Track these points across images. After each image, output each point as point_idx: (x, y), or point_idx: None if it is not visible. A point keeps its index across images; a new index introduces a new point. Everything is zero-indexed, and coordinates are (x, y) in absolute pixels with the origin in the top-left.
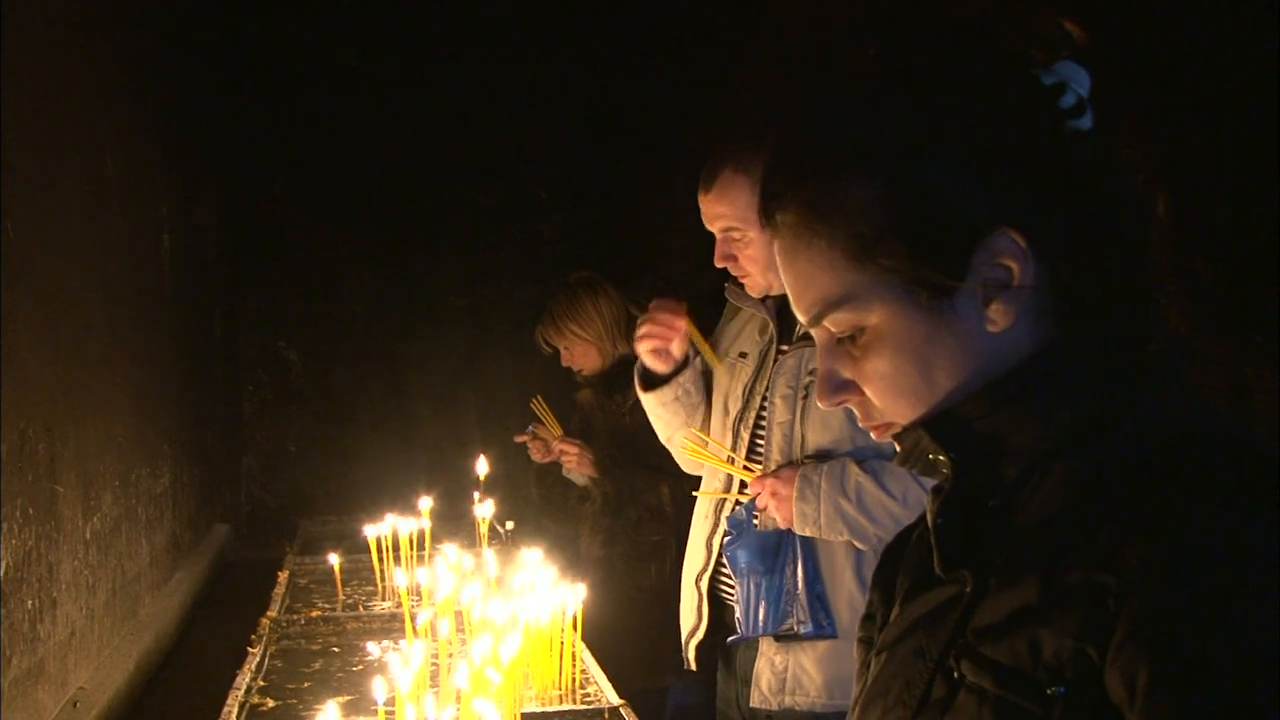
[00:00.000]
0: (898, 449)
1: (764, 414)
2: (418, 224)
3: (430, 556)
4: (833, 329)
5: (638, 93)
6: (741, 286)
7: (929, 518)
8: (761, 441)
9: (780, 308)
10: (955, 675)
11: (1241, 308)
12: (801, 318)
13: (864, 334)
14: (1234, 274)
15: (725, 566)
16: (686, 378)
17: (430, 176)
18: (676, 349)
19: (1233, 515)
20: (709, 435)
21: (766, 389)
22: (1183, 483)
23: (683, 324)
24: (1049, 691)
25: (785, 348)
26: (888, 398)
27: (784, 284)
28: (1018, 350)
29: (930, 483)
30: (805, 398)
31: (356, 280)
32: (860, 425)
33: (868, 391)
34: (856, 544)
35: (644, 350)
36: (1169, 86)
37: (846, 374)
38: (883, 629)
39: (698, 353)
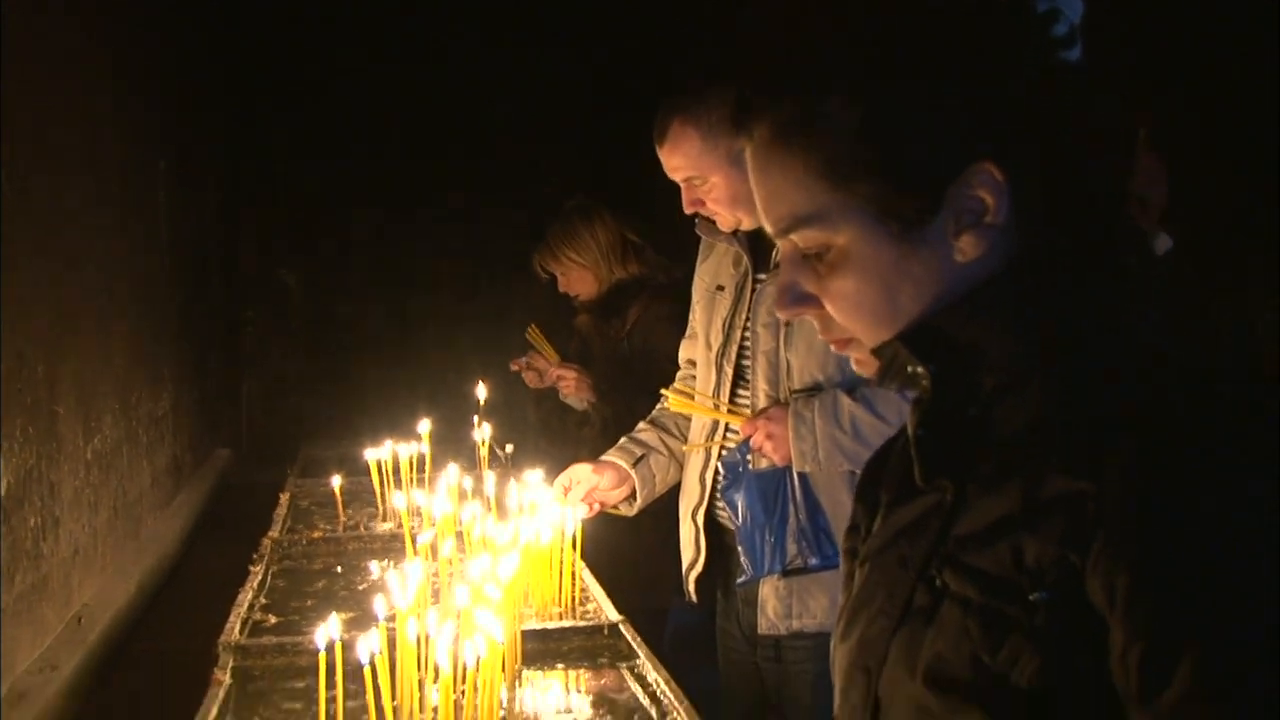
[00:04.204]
0: (876, 367)
1: (746, 345)
2: (418, 152)
3: (430, 479)
4: (799, 243)
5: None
6: (713, 223)
7: (909, 429)
8: (746, 374)
9: (753, 239)
10: (937, 584)
11: (1233, 232)
12: (768, 228)
13: (830, 252)
14: (1225, 200)
15: (721, 498)
16: (642, 492)
17: (433, 106)
18: (618, 496)
19: (1210, 421)
20: (693, 386)
21: (747, 320)
22: (1160, 391)
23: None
24: (1031, 598)
25: (762, 276)
26: (850, 317)
27: (754, 193)
28: (986, 275)
29: None
30: (787, 324)
31: (356, 207)
32: (819, 336)
33: (830, 309)
34: (857, 472)
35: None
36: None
37: (809, 288)
38: (866, 540)
39: (638, 460)
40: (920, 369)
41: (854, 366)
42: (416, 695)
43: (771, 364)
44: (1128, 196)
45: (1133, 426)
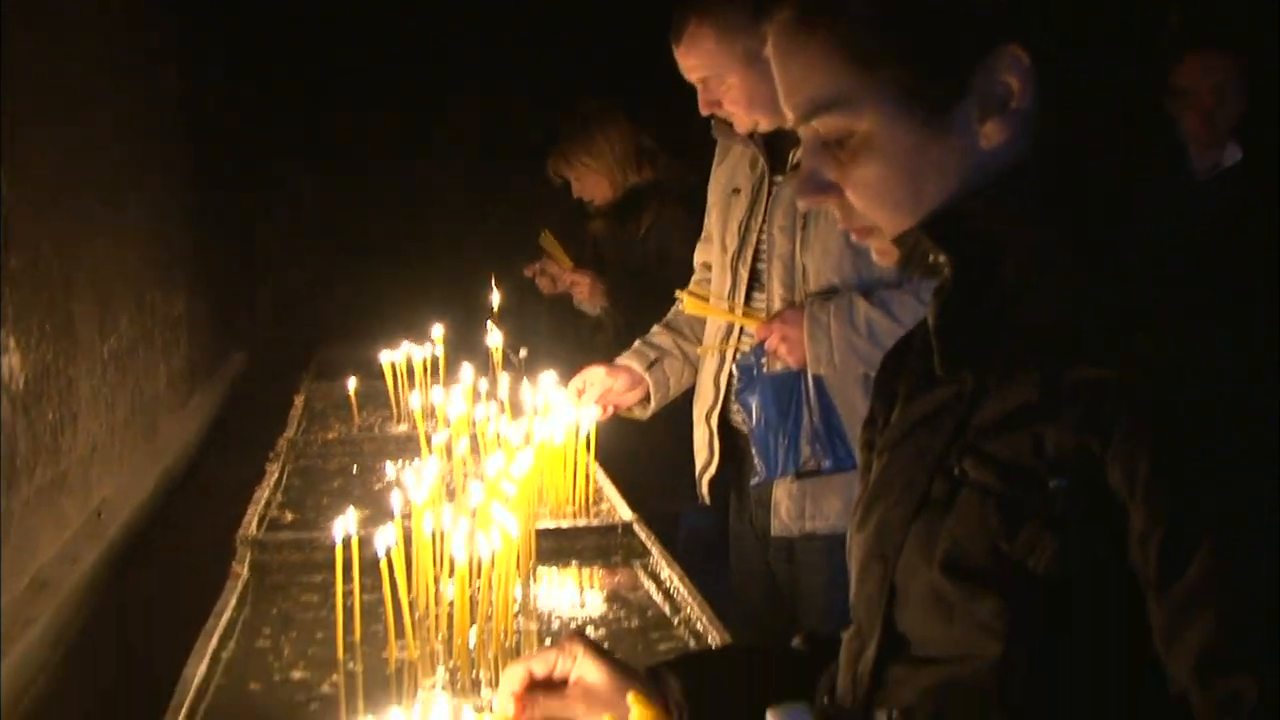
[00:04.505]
0: (897, 257)
1: (762, 248)
2: (433, 56)
3: (444, 381)
4: (820, 130)
5: None
6: (730, 125)
7: (929, 319)
8: (762, 278)
9: (769, 140)
10: (955, 473)
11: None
12: (789, 115)
13: (852, 139)
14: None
15: (735, 401)
16: (656, 395)
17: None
18: (632, 399)
19: (1236, 313)
20: (708, 290)
21: (763, 223)
22: (1184, 282)
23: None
24: (1050, 485)
25: (779, 179)
26: (871, 206)
27: (776, 80)
28: (1009, 165)
29: None
30: (804, 228)
31: (370, 112)
32: (840, 226)
33: (851, 197)
34: (872, 375)
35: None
36: None
37: (831, 176)
38: (884, 431)
39: (652, 364)
40: (942, 258)
41: (875, 256)
42: (432, 590)
43: (787, 267)
44: (1164, 91)
45: (1156, 317)
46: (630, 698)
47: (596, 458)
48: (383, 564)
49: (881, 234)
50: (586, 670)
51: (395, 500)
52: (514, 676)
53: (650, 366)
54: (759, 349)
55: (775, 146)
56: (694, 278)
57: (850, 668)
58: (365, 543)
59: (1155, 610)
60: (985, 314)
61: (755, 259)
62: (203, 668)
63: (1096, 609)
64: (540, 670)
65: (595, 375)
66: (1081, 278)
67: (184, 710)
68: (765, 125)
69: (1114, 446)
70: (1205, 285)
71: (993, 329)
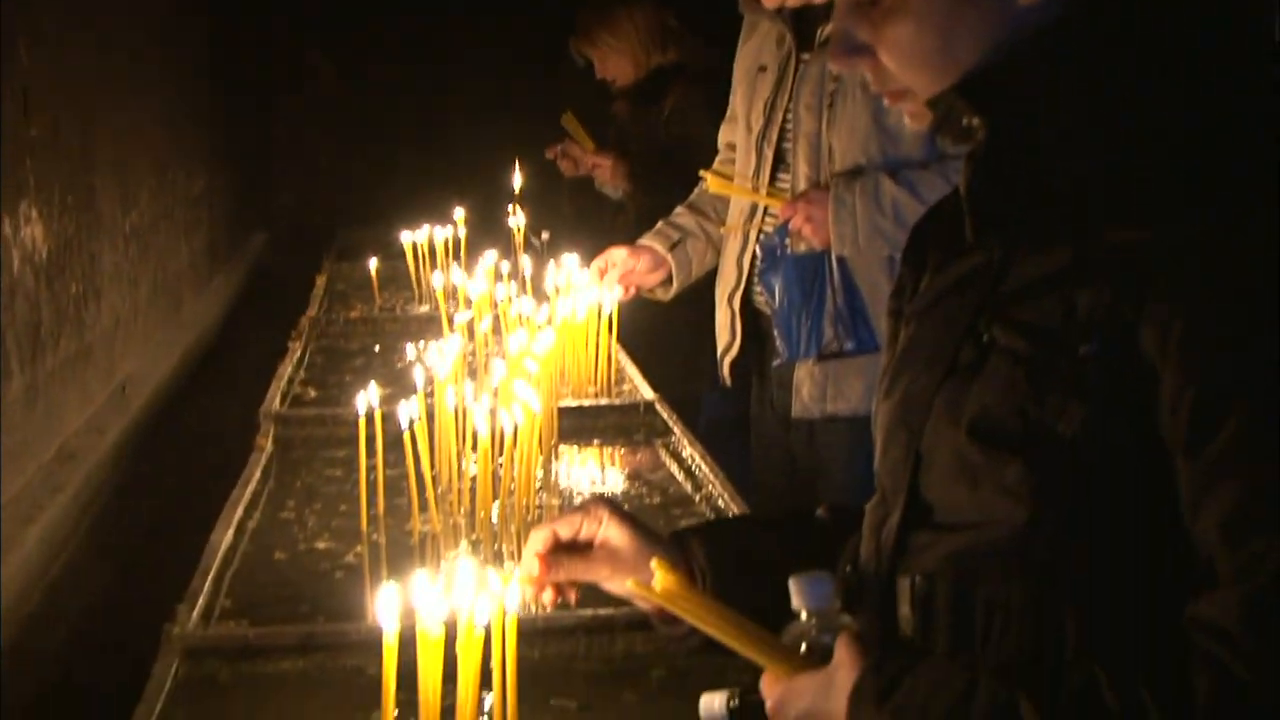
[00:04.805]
0: (930, 120)
1: (788, 128)
2: None
3: (465, 262)
4: None
5: None
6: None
7: (961, 184)
8: (787, 157)
9: (797, 16)
10: (985, 339)
11: None
12: None
13: None
14: None
15: (758, 283)
16: (678, 276)
17: None
18: (654, 280)
19: (1276, 176)
20: (732, 170)
21: (789, 101)
22: (1225, 147)
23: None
24: (1081, 350)
25: (806, 56)
26: (905, 68)
27: None
28: (1047, 24)
29: None
30: (830, 106)
31: None
32: (873, 90)
33: (884, 59)
34: (896, 257)
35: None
36: None
37: (864, 38)
38: (912, 300)
39: (674, 244)
40: (975, 121)
41: (907, 120)
42: (455, 465)
43: (813, 146)
44: None
45: (1195, 182)
46: (654, 563)
47: (618, 339)
48: (405, 436)
49: (914, 97)
50: (611, 534)
51: (418, 374)
52: (539, 538)
53: (673, 247)
54: (783, 229)
55: (803, 23)
56: (718, 158)
57: (873, 536)
58: (388, 418)
59: (1184, 473)
60: (1018, 178)
61: (780, 138)
62: (229, 536)
63: (1121, 475)
64: (565, 533)
65: (618, 255)
66: (1118, 141)
67: (211, 574)
68: (794, 0)
69: (1148, 309)
70: (1248, 152)
71: (1026, 193)
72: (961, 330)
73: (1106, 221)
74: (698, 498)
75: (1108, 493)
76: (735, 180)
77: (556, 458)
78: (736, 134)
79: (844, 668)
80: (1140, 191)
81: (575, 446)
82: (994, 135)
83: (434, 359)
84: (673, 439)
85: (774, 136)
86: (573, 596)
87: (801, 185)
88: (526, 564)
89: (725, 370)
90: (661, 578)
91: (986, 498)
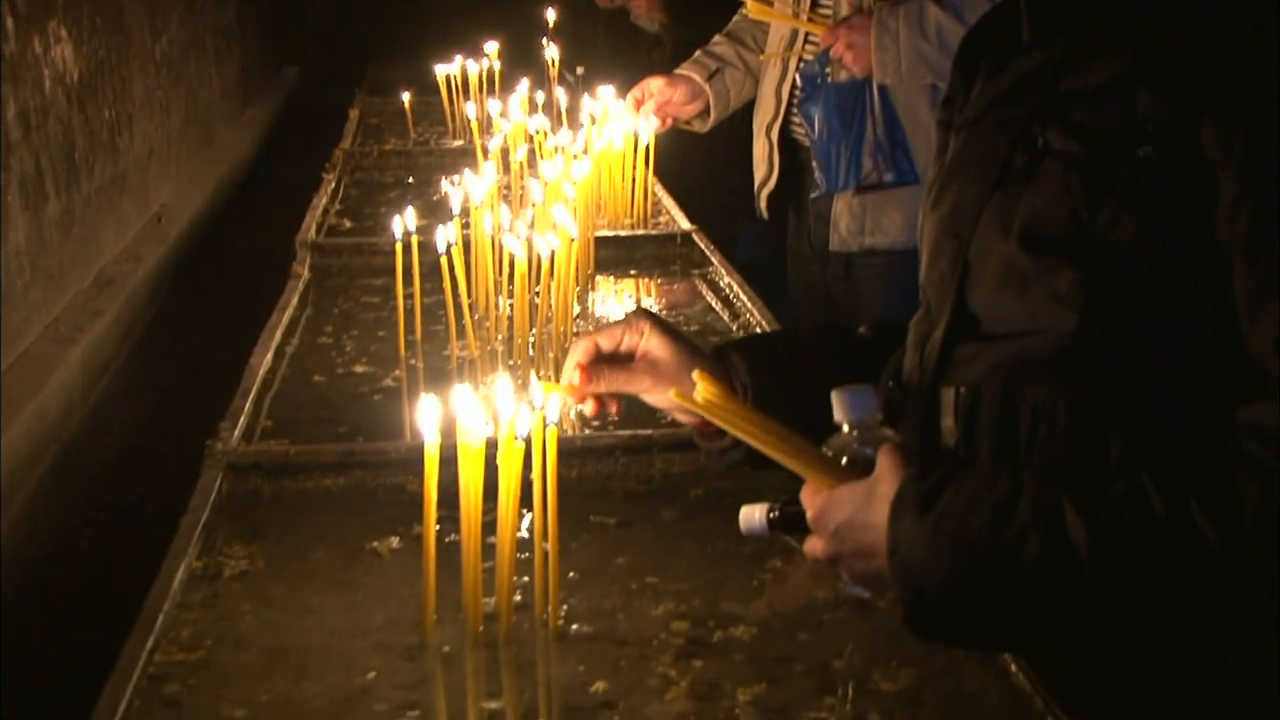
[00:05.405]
0: None
1: None
2: None
3: (500, 95)
4: None
5: None
6: None
7: None
8: None
9: None
10: (1039, 144)
11: None
12: None
13: None
14: None
15: (797, 113)
16: (716, 106)
17: None
18: (692, 110)
19: None
20: None
21: None
22: None
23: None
24: (1140, 153)
25: None
26: None
27: None
28: None
29: None
30: None
31: None
32: None
33: None
34: (940, 85)
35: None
36: None
37: None
38: (963, 110)
39: (712, 74)
40: None
41: None
42: (492, 294)
43: None
44: None
45: None
46: (695, 374)
47: (655, 171)
48: (443, 260)
49: None
50: (653, 345)
51: (455, 197)
52: (580, 349)
53: (711, 77)
54: (823, 57)
55: None
56: None
57: (917, 349)
58: (424, 247)
59: (1240, 280)
60: None
61: None
62: (268, 359)
63: (1173, 282)
64: (607, 345)
65: (654, 85)
66: None
67: (251, 396)
68: None
69: (1210, 112)
70: None
71: None
72: (1015, 135)
73: (1171, 24)
74: (735, 327)
75: (1159, 301)
76: (776, 5)
77: (593, 288)
78: None
79: (885, 478)
80: None
81: (611, 277)
82: None
83: (470, 183)
84: (710, 270)
85: None
86: (613, 408)
87: (844, 10)
88: (568, 375)
89: (762, 204)
90: (703, 389)
91: (1035, 305)
